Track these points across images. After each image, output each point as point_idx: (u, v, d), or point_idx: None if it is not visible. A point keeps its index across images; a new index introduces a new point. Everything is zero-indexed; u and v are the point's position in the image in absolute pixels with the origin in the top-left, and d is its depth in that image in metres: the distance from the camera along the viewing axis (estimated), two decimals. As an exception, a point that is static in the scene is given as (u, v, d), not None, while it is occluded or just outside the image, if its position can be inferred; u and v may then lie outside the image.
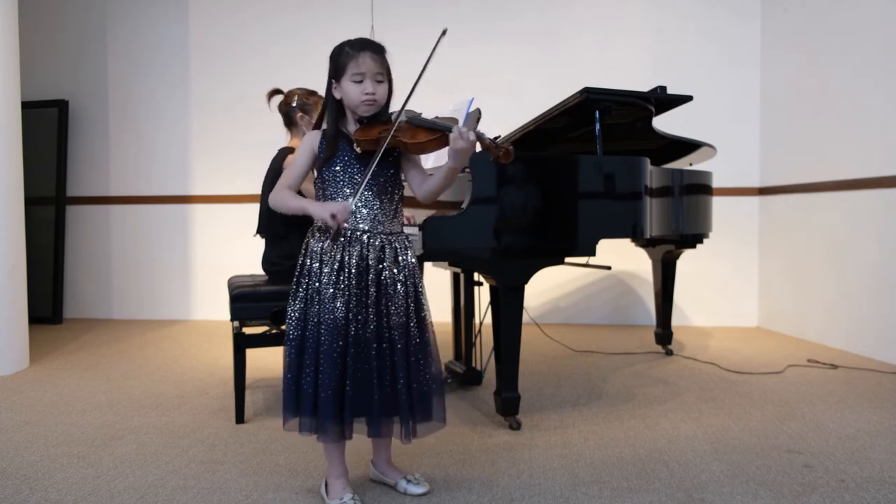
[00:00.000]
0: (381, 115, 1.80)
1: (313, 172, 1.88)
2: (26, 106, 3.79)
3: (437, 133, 1.75)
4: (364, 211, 1.77)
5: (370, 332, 1.74)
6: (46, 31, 5.17)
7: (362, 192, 1.75)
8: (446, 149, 1.72)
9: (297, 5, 5.01)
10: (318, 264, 1.76)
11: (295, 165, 1.83)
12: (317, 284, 1.74)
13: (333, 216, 1.66)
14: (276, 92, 2.86)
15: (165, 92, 5.13)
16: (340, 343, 1.72)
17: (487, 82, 4.63)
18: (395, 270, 1.78)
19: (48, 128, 5.02)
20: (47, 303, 4.91)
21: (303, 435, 1.76)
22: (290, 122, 2.90)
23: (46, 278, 4.92)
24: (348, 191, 1.77)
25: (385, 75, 1.78)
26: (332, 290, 1.73)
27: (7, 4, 3.41)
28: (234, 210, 5.04)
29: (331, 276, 1.73)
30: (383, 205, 1.80)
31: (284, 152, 2.80)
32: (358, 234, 1.76)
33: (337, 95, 1.80)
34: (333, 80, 1.79)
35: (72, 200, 5.15)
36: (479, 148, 1.76)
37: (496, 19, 4.85)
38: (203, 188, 5.12)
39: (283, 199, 1.79)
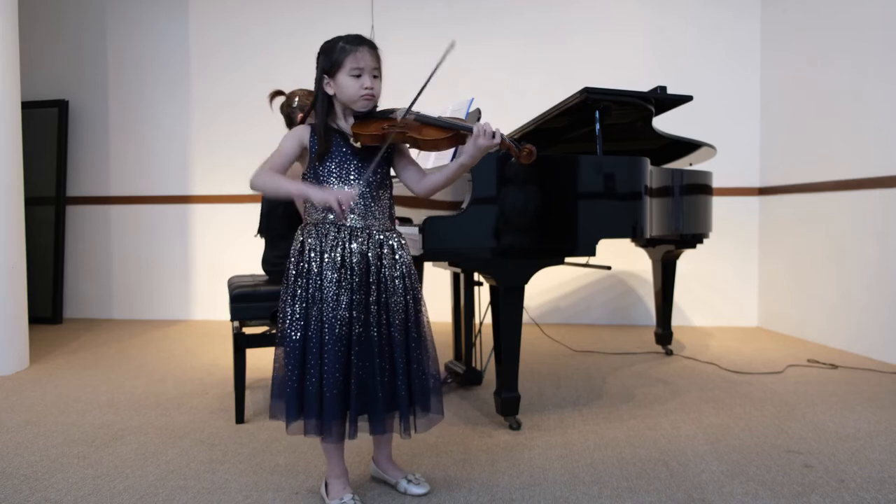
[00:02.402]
0: (375, 111, 1.79)
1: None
2: (26, 106, 3.79)
3: (449, 131, 1.75)
4: (359, 208, 1.76)
5: (373, 329, 1.73)
6: (46, 31, 5.17)
7: (367, 181, 1.74)
8: (450, 149, 1.72)
9: (297, 5, 5.01)
10: (316, 264, 1.74)
11: (281, 154, 1.78)
12: (318, 283, 1.73)
13: (339, 202, 1.63)
14: (278, 93, 2.87)
15: (165, 92, 5.13)
16: (344, 342, 1.71)
17: (487, 82, 4.64)
18: (394, 267, 1.78)
19: (48, 128, 5.02)
20: (47, 303, 4.91)
21: (308, 437, 1.76)
22: (291, 124, 2.91)
23: (46, 278, 4.92)
24: (346, 187, 1.74)
25: (380, 70, 1.78)
26: (335, 289, 1.72)
27: (7, 4, 3.41)
28: (234, 210, 5.04)
29: (333, 275, 1.72)
30: (378, 202, 1.79)
31: None
32: (357, 231, 1.75)
33: (329, 91, 1.78)
34: (325, 75, 1.77)
35: (72, 200, 5.14)
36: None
37: (496, 19, 4.85)
38: (203, 188, 5.12)
39: (276, 182, 1.72)
